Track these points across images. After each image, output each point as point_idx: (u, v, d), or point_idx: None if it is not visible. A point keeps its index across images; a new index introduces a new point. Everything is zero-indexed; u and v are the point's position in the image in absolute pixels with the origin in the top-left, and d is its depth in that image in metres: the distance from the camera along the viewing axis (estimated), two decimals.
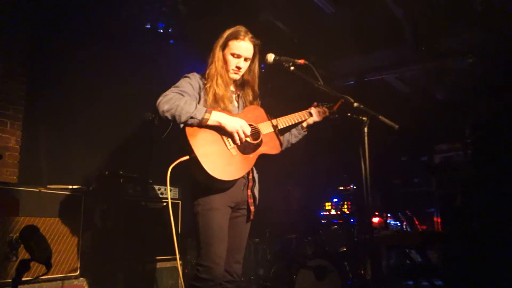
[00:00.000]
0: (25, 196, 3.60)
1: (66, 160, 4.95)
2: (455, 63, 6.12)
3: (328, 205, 5.75)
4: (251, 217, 2.77)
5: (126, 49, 5.33)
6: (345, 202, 5.64)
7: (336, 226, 5.12)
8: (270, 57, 2.82)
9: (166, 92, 2.56)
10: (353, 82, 6.69)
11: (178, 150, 2.54)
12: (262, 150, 2.72)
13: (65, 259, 3.75)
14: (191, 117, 2.47)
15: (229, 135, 2.58)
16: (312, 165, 6.83)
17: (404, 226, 5.46)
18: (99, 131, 4.87)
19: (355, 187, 5.68)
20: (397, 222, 5.54)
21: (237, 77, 2.80)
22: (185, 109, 2.46)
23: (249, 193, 2.73)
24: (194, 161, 2.42)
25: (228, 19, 5.29)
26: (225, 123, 2.55)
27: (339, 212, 5.64)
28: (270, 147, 2.77)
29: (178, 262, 2.44)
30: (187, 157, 2.46)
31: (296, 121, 2.96)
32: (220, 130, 2.57)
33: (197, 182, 2.56)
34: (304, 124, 3.03)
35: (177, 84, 2.66)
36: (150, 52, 5.51)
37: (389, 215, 5.49)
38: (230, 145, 2.58)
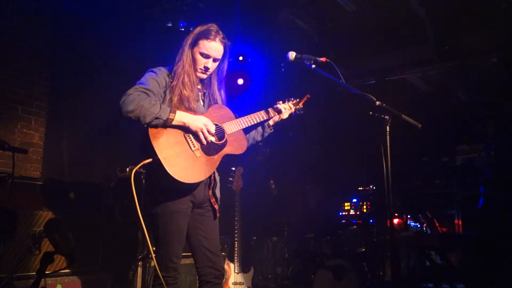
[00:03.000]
0: (48, 191, 3.66)
1: (88, 156, 5.03)
2: (478, 62, 6.02)
3: (347, 205, 5.71)
4: (217, 214, 2.78)
5: (147, 47, 5.38)
6: (365, 203, 5.59)
7: (355, 226, 5.09)
8: (291, 54, 2.81)
9: (130, 91, 2.46)
10: (374, 81, 6.63)
11: (141, 151, 2.50)
12: (226, 150, 2.69)
13: (86, 253, 3.80)
14: (156, 118, 2.41)
15: (194, 135, 2.55)
16: (331, 164, 6.80)
17: (424, 228, 5.38)
18: (121, 127, 4.92)
19: (374, 187, 5.62)
20: (417, 224, 5.47)
21: (204, 76, 2.75)
22: (150, 110, 2.39)
23: (210, 193, 2.72)
24: (157, 164, 2.39)
25: (249, 16, 5.34)
26: (189, 122, 2.51)
27: (358, 212, 5.59)
28: (235, 147, 2.74)
29: (154, 259, 2.48)
30: (150, 160, 2.43)
31: (262, 119, 2.93)
32: (185, 130, 2.53)
33: (158, 182, 2.52)
34: (271, 122, 3.01)
35: (142, 80, 2.58)
36: (171, 50, 5.54)
37: (409, 216, 5.42)
38: (194, 146, 2.54)
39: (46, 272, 2.02)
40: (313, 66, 2.73)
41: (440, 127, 6.36)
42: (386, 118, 2.47)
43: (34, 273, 3.27)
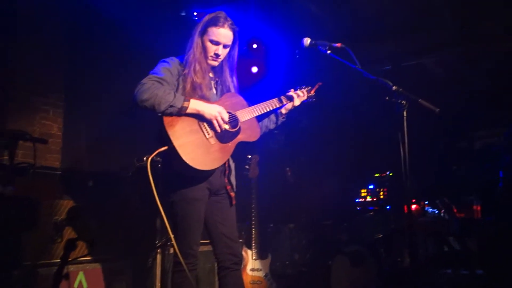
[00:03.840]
0: (68, 180, 3.73)
1: (105, 145, 5.10)
2: (497, 47, 5.89)
3: (364, 192, 5.68)
4: (233, 202, 2.82)
5: (161, 37, 5.40)
6: (381, 189, 5.56)
7: (372, 213, 5.07)
8: (306, 41, 2.81)
9: (144, 80, 2.51)
10: (389, 67, 6.55)
11: (156, 139, 2.54)
12: (240, 138, 2.73)
13: (106, 241, 3.87)
14: (171, 106, 2.45)
15: (208, 122, 2.58)
16: (347, 151, 6.77)
17: (442, 214, 5.35)
18: (138, 116, 4.97)
19: (391, 173, 5.59)
20: (435, 209, 5.43)
21: (215, 63, 2.78)
22: (164, 98, 2.44)
23: (226, 180, 2.76)
24: (173, 152, 2.43)
25: (262, 4, 5.31)
26: (203, 110, 2.54)
27: (375, 199, 5.56)
28: (248, 134, 2.78)
29: (175, 246, 2.56)
30: (165, 148, 2.47)
31: (275, 107, 2.96)
32: (199, 118, 2.57)
33: (174, 170, 2.56)
34: (283, 110, 3.03)
35: (155, 70, 2.62)
36: (186, 39, 5.55)
37: (426, 202, 5.39)
38: (208, 134, 2.58)
39: (69, 260, 2.07)
40: (328, 52, 2.72)
41: (458, 112, 6.27)
42: (403, 103, 2.45)
43: (57, 260, 3.37)
